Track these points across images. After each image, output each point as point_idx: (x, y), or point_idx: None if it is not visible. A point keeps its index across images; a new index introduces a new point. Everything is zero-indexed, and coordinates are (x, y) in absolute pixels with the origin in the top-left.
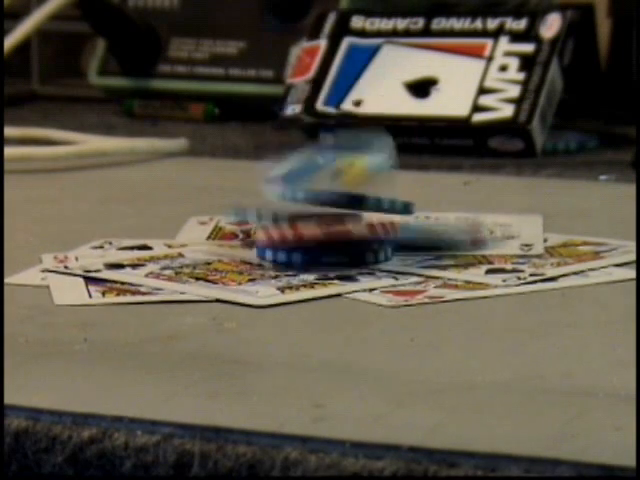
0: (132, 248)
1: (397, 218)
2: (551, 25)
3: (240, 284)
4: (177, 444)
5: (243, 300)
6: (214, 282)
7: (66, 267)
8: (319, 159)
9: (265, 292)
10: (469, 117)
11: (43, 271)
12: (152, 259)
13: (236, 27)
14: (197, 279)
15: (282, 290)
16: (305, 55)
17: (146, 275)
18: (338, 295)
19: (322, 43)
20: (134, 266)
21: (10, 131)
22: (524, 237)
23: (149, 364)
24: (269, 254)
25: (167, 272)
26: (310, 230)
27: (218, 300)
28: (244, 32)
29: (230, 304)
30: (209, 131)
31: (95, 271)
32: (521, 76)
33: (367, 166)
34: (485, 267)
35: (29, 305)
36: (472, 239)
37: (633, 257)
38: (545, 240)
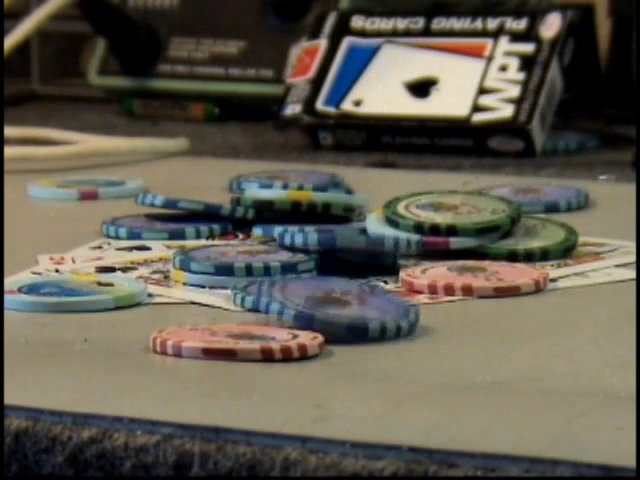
0: (130, 249)
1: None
2: (551, 25)
3: None
4: (177, 444)
5: (227, 305)
6: (202, 286)
7: (57, 270)
8: None
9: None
10: (469, 117)
11: (34, 273)
12: (145, 262)
13: (236, 27)
14: (184, 283)
15: None
16: (305, 55)
17: (135, 279)
18: None
19: (322, 43)
20: (125, 269)
21: (10, 131)
22: None
23: (149, 364)
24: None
25: (157, 276)
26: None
27: (193, 303)
28: (244, 32)
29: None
30: (209, 131)
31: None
32: (521, 76)
33: None
34: None
35: None
36: None
37: (633, 257)
38: None
